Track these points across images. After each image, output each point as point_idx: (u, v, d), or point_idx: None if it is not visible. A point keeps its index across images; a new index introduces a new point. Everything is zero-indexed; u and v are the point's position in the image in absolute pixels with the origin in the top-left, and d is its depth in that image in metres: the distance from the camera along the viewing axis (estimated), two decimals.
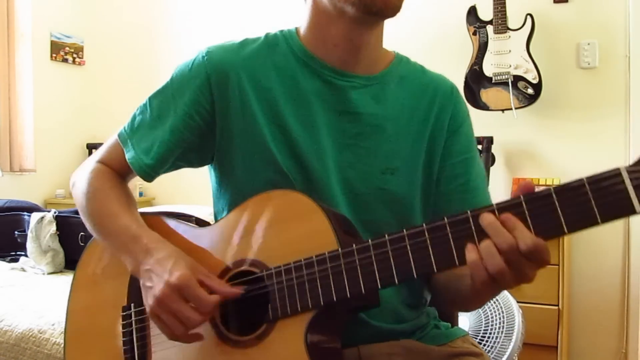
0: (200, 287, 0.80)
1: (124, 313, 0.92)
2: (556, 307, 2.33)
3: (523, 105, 2.60)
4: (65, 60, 3.62)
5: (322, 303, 0.77)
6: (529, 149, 2.72)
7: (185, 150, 0.95)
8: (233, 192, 0.96)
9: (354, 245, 0.77)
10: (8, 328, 1.68)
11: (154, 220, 0.95)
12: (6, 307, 1.79)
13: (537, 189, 0.69)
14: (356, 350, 0.90)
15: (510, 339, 1.57)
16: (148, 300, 0.82)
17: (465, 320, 1.68)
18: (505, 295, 1.74)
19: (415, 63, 1.01)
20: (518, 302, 2.32)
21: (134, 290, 0.91)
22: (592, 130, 2.63)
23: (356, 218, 0.90)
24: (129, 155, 0.95)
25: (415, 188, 0.95)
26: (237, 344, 0.82)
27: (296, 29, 0.97)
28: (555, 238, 0.68)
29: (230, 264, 0.86)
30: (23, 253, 2.42)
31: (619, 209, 0.63)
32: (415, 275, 0.73)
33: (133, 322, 0.91)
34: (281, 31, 0.98)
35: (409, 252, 0.73)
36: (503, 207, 0.69)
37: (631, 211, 0.62)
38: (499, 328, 1.60)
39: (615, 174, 0.63)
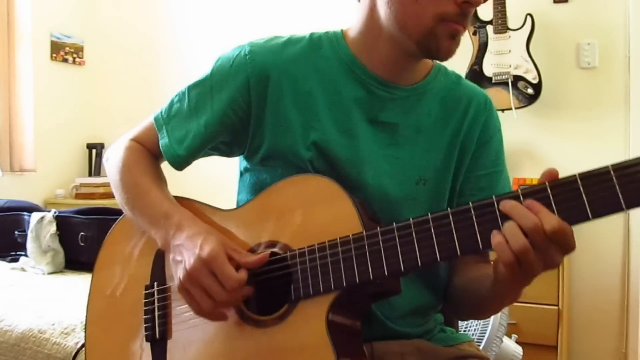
0: (229, 263, 0.81)
1: (147, 291, 0.93)
2: (556, 307, 2.33)
3: (523, 105, 2.60)
4: (65, 60, 3.62)
5: (344, 284, 0.78)
6: (529, 149, 2.72)
7: (217, 144, 0.98)
8: (258, 184, 0.97)
9: (378, 228, 0.78)
10: (8, 328, 1.68)
11: (183, 201, 0.96)
12: (6, 307, 1.79)
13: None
14: (369, 346, 0.91)
15: (488, 322, 1.58)
16: (178, 274, 0.83)
17: None
18: None
19: (452, 73, 1.01)
20: (518, 302, 2.32)
21: (158, 269, 0.93)
22: (592, 130, 2.62)
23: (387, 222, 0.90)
24: (162, 142, 0.97)
25: (443, 199, 0.95)
26: (258, 323, 0.83)
27: (342, 31, 0.96)
28: (579, 224, 0.67)
29: (254, 246, 0.87)
30: (23, 253, 2.42)
31: None
32: (439, 258, 0.73)
33: (155, 300, 0.92)
34: (326, 33, 0.96)
35: (433, 235, 0.74)
36: (527, 193, 0.69)
37: None
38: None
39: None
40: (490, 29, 2.65)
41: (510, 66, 2.59)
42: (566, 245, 0.67)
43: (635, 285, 2.51)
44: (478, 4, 0.83)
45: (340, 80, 0.92)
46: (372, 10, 0.89)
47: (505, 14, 2.61)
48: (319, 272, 0.80)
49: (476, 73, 2.65)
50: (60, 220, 2.35)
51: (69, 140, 3.63)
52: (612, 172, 0.65)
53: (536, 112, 2.67)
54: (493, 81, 2.61)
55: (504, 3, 2.60)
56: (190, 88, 0.97)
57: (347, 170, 0.90)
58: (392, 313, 0.92)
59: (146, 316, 0.92)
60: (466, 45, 2.70)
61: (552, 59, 2.67)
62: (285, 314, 0.81)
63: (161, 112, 0.99)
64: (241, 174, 1.03)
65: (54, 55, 3.54)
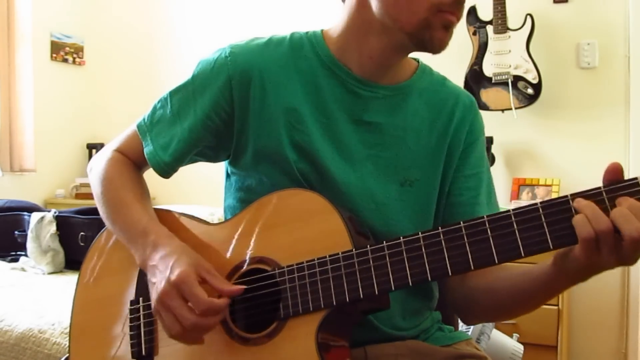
0: (201, 285, 0.79)
1: (132, 307, 0.92)
2: (556, 307, 2.33)
3: (523, 105, 2.60)
4: (65, 61, 3.61)
5: (334, 303, 0.78)
6: (528, 149, 2.72)
7: (202, 148, 0.96)
8: (244, 189, 0.96)
9: (368, 246, 0.77)
10: (8, 328, 1.68)
11: (166, 215, 0.95)
12: (6, 307, 1.79)
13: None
14: (362, 350, 0.90)
15: None
16: (152, 296, 0.82)
17: None
18: None
19: (437, 74, 1.00)
20: None
21: (142, 285, 0.91)
22: (592, 130, 2.62)
23: (381, 229, 0.90)
24: (147, 149, 0.95)
25: (433, 200, 0.95)
26: (247, 341, 0.82)
27: (322, 32, 0.95)
28: None
29: (241, 261, 0.85)
30: (23, 253, 2.42)
31: None
32: (429, 278, 0.74)
33: (141, 317, 0.91)
34: (306, 33, 0.95)
35: (424, 254, 0.74)
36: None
37: None
38: None
39: None
40: (490, 29, 2.65)
41: (510, 66, 2.59)
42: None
43: (635, 285, 2.51)
44: None
45: (322, 81, 0.91)
46: (362, 4, 0.88)
47: (505, 14, 2.61)
48: (308, 290, 0.79)
49: (476, 73, 2.65)
50: (60, 220, 2.36)
51: (69, 140, 3.63)
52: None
53: (536, 112, 2.67)
54: (493, 81, 2.61)
55: (504, 3, 2.60)
56: (172, 93, 0.96)
57: (331, 172, 0.89)
58: (385, 317, 0.91)
59: (132, 332, 0.90)
60: (466, 45, 2.70)
61: (552, 59, 2.67)
62: (274, 331, 0.80)
63: (144, 119, 0.98)
64: (227, 178, 1.01)
65: (54, 55, 3.54)
